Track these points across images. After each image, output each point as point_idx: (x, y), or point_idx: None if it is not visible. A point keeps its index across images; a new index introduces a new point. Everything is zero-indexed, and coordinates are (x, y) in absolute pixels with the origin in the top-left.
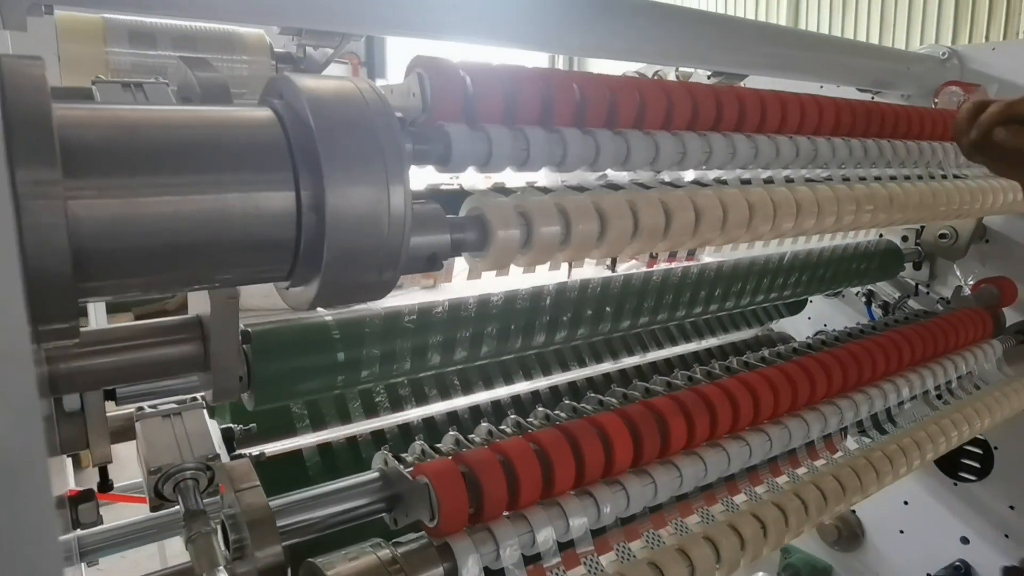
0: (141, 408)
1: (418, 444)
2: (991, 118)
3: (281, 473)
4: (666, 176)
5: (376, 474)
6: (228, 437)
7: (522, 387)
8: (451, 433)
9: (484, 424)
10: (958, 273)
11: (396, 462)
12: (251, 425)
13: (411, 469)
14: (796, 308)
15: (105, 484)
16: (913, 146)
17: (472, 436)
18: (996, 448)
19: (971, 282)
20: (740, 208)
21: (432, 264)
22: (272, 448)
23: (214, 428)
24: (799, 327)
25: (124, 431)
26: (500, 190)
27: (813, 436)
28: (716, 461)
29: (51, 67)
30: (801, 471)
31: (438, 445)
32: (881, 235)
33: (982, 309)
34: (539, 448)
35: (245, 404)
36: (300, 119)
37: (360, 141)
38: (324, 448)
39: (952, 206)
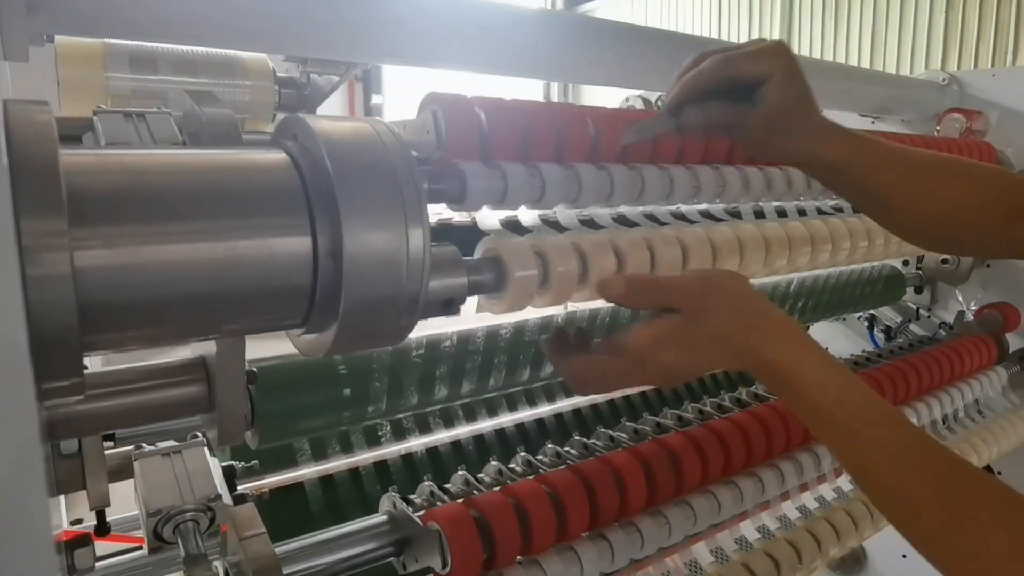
0: (140, 446)
1: (426, 485)
2: (689, 88)
3: (283, 510)
4: (677, 208)
5: (384, 517)
6: (230, 474)
7: (527, 415)
8: (460, 473)
9: (493, 463)
10: (960, 298)
11: (404, 504)
12: (253, 462)
13: (421, 513)
14: None
15: (102, 527)
16: None
17: (482, 476)
18: (1000, 473)
19: (974, 307)
20: (756, 243)
21: (449, 308)
22: (273, 480)
23: (215, 466)
24: None
25: (122, 470)
26: (512, 226)
27: (824, 470)
28: (730, 499)
29: (50, 92)
30: (813, 506)
31: (447, 485)
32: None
33: (986, 335)
34: (552, 491)
35: (248, 443)
36: (316, 162)
37: (378, 184)
38: (326, 481)
39: None
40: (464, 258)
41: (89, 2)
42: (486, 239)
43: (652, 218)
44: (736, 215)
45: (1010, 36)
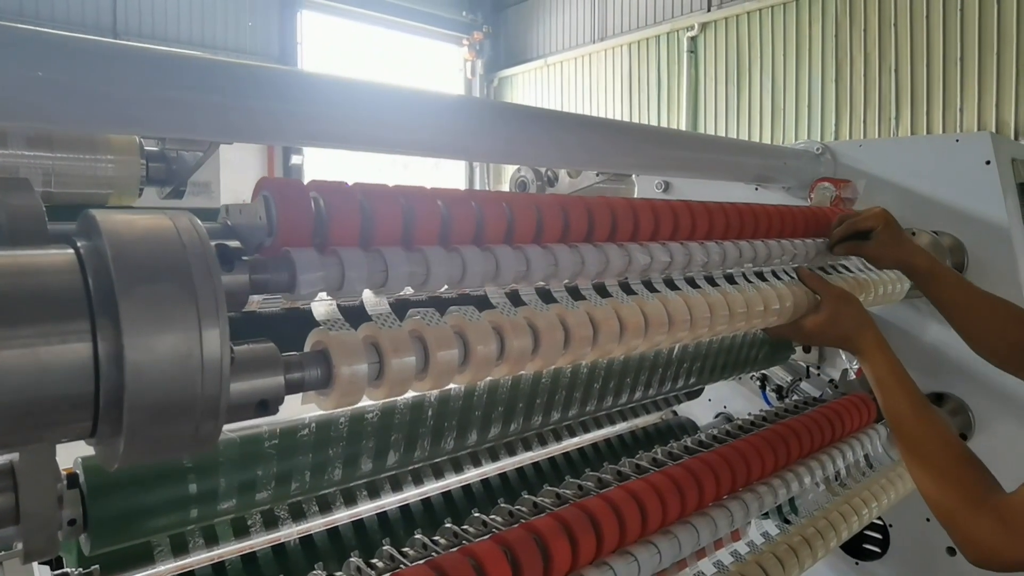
0: None
1: None
2: (835, 238)
3: None
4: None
5: None
6: None
7: (412, 494)
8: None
9: (353, 559)
10: (843, 356)
11: None
12: (92, 567)
13: None
14: (695, 392)
15: None
16: (791, 244)
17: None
18: (891, 526)
19: (856, 365)
20: (610, 325)
21: (264, 410)
22: None
23: None
24: (701, 409)
25: None
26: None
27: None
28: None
29: None
30: (712, 572)
31: None
32: None
33: (866, 393)
34: None
35: (82, 548)
36: (102, 263)
37: (168, 287)
38: None
39: None
40: (286, 354)
41: None
42: (315, 331)
43: (515, 297)
44: (601, 290)
45: (892, 106)
